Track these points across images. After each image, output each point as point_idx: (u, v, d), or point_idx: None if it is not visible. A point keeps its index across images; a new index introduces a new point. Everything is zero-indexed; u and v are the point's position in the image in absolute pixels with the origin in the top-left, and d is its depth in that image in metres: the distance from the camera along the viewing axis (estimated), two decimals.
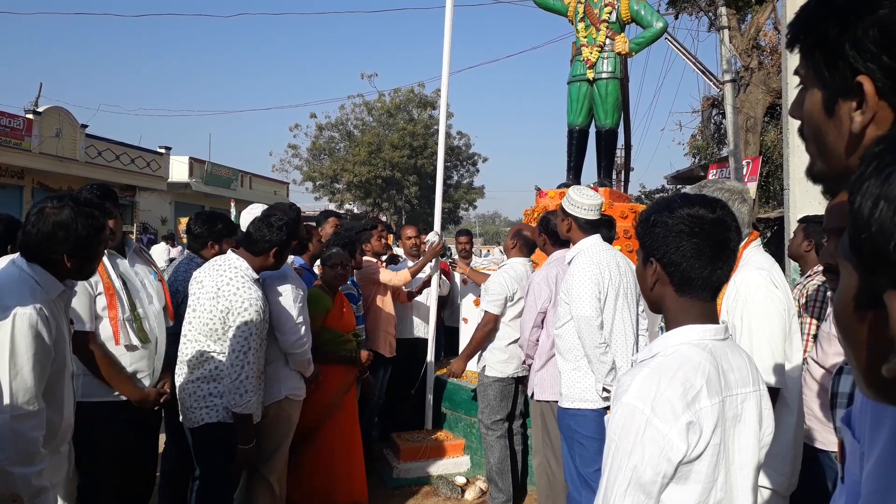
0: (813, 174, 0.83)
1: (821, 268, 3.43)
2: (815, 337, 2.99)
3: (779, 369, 2.25)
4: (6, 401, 1.87)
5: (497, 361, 4.11)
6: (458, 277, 6.03)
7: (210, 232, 3.69)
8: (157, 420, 3.28)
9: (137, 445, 3.07)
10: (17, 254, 2.11)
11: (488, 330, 4.10)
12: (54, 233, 2.03)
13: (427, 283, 5.15)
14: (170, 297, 3.24)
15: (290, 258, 3.70)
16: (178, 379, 3.03)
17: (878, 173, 0.55)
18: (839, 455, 0.85)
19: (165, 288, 3.24)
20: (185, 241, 4.09)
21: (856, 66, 0.70)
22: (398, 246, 6.31)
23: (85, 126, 19.47)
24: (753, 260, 2.32)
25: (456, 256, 6.61)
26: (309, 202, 29.92)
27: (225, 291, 2.94)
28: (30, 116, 17.43)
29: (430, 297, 5.08)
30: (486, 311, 4.10)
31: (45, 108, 18.11)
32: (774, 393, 2.17)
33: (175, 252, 14.80)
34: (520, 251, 4.23)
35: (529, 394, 3.73)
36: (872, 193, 0.55)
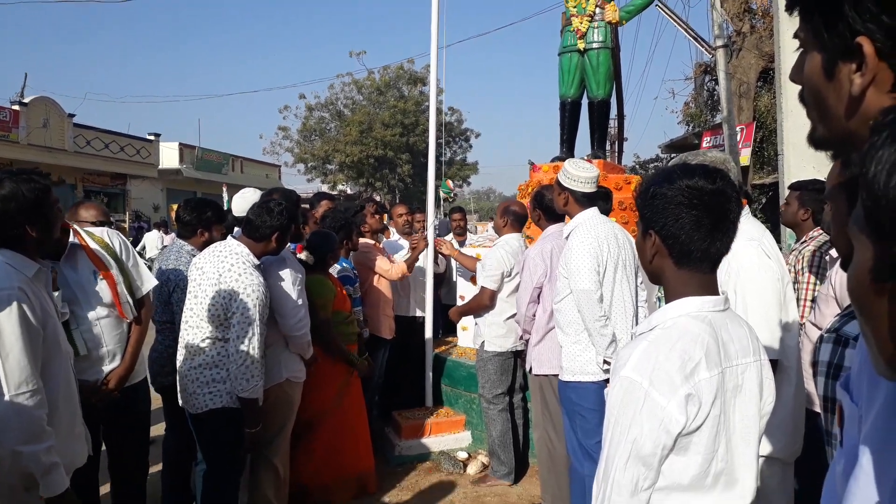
0: (814, 139, 0.82)
1: (816, 233, 3.42)
2: (814, 300, 2.98)
3: (775, 340, 2.25)
4: (3, 383, 1.89)
5: (495, 336, 4.13)
6: None
7: (199, 219, 3.66)
8: (139, 406, 3.18)
9: (106, 431, 3.05)
10: None
11: (484, 304, 4.12)
12: (5, 207, 2.04)
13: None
14: (117, 295, 2.92)
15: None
16: (180, 364, 3.03)
17: (893, 141, 0.55)
18: (838, 419, 0.85)
19: (113, 286, 2.91)
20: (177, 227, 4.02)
21: (855, 26, 0.68)
22: (391, 225, 6.30)
23: (72, 115, 19.29)
24: (744, 230, 2.30)
25: (450, 236, 6.58)
26: (301, 184, 29.87)
27: (227, 278, 2.95)
28: (16, 108, 17.26)
29: (426, 275, 5.08)
30: (482, 287, 4.11)
31: (31, 99, 17.92)
32: (773, 364, 2.17)
33: (168, 239, 14.78)
34: (511, 227, 4.22)
35: (527, 368, 3.74)
36: (889, 161, 0.55)
